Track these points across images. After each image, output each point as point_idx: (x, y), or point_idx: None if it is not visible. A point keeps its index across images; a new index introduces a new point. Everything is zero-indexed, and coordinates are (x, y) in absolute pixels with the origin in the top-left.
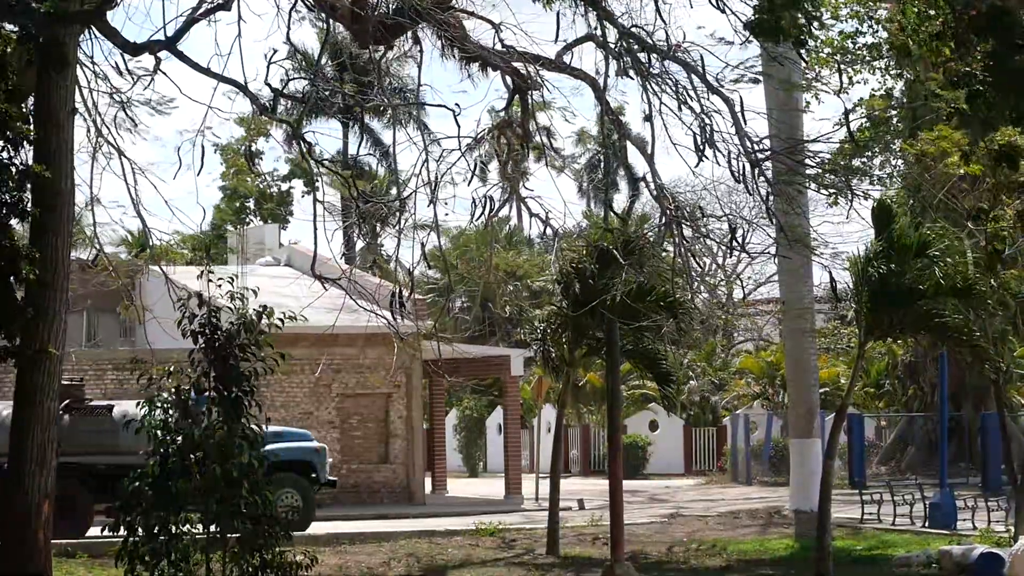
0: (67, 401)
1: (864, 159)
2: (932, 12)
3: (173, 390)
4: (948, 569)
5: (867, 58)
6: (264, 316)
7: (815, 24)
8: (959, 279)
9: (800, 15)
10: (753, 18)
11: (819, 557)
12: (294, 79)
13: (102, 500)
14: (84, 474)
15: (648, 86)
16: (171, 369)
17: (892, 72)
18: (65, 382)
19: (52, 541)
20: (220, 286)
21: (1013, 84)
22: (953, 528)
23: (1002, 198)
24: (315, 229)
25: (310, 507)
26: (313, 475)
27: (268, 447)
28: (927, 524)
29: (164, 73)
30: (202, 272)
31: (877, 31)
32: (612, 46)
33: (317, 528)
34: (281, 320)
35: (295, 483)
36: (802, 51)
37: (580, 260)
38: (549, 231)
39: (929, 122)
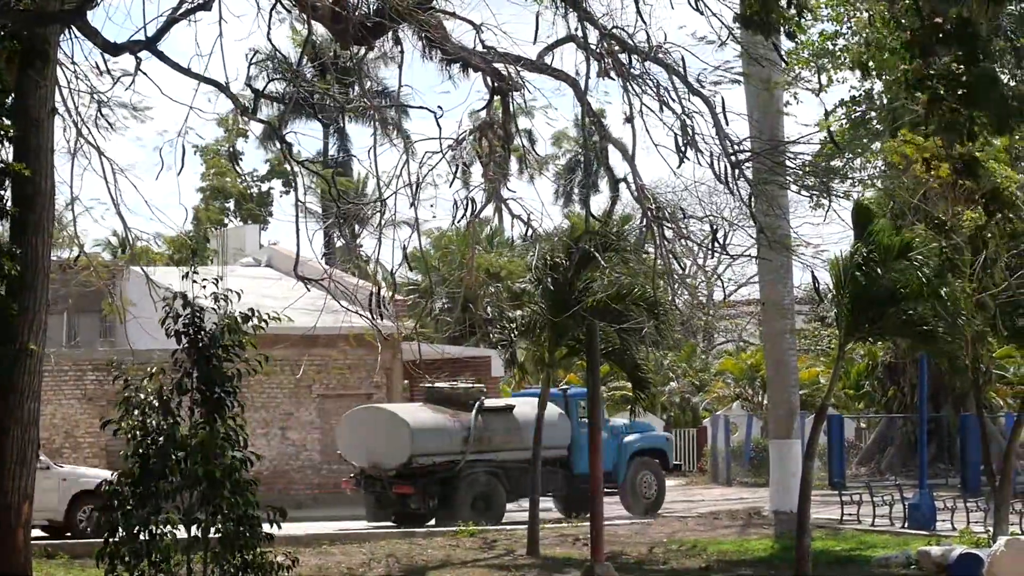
0: (478, 403)
1: (844, 160)
2: (903, 21)
3: (154, 391)
4: (927, 570)
5: (846, 59)
6: (250, 318)
7: (804, 14)
8: (937, 282)
9: (791, 6)
10: (745, 11)
11: (799, 558)
12: (274, 79)
13: (513, 493)
14: (498, 470)
15: (629, 87)
16: (152, 371)
17: (869, 71)
18: (467, 385)
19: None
20: (205, 286)
21: (972, 96)
22: (932, 529)
23: (958, 208)
24: (297, 231)
25: (663, 489)
26: (656, 460)
27: (628, 438)
28: (906, 525)
29: (144, 73)
30: (187, 272)
31: (856, 32)
32: (593, 47)
33: (297, 528)
34: (265, 321)
35: (652, 468)
36: (787, 46)
37: (554, 254)
38: (530, 232)
39: (909, 123)
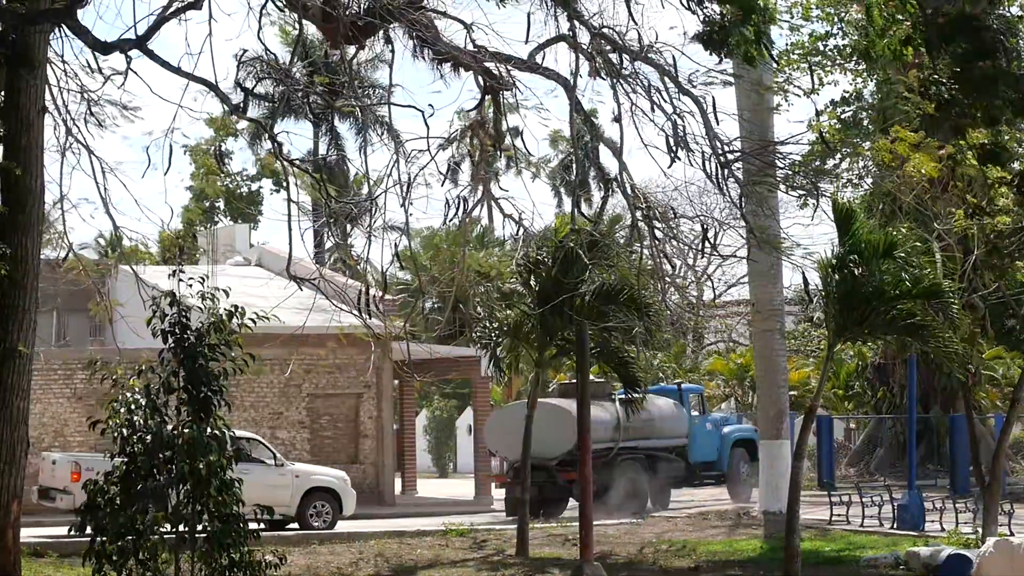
0: (613, 395)
1: (834, 160)
2: (899, 16)
3: (142, 389)
4: (916, 570)
5: (838, 60)
6: (235, 316)
7: (764, 40)
8: (927, 281)
9: (750, 32)
10: (703, 31)
11: (788, 558)
12: (264, 78)
13: (651, 479)
14: (643, 457)
15: (620, 87)
16: (141, 368)
17: (862, 73)
18: (600, 380)
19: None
20: (191, 285)
21: (981, 88)
22: (921, 529)
23: (992, 194)
24: (290, 230)
25: (750, 474)
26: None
27: (726, 429)
28: (895, 525)
29: (135, 72)
30: (173, 271)
31: (848, 33)
32: (584, 47)
33: (287, 528)
34: (252, 320)
35: (746, 458)
36: (754, 64)
37: (539, 251)
38: (521, 231)
39: (899, 124)
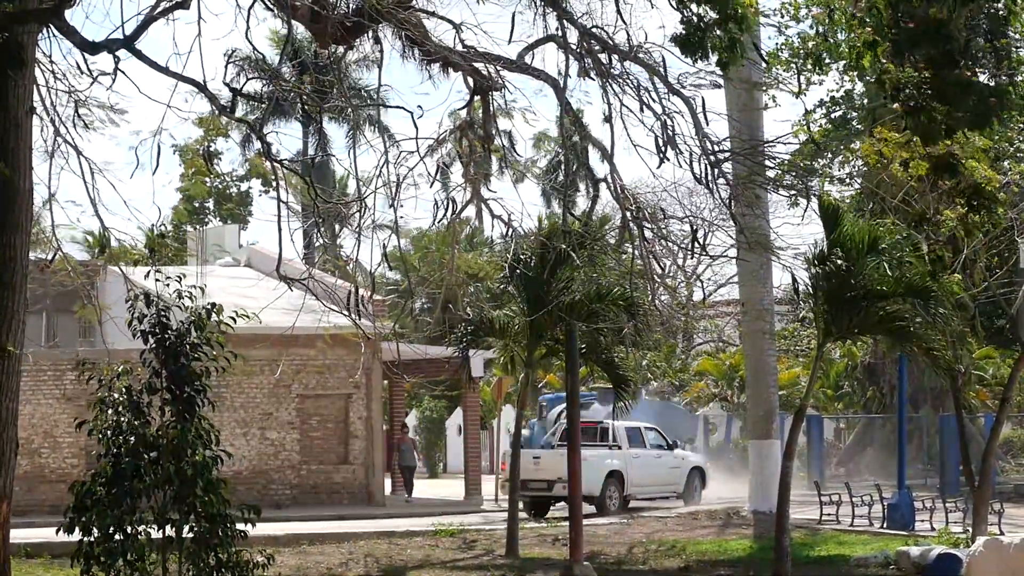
0: None
1: (825, 160)
2: (866, 20)
3: (124, 390)
4: (906, 570)
5: (826, 60)
6: (214, 314)
7: (738, 47)
8: (916, 279)
9: (726, 35)
10: (680, 33)
11: (777, 558)
12: (253, 79)
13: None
14: None
15: (609, 87)
16: (120, 370)
17: (847, 71)
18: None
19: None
20: (168, 285)
21: (949, 96)
22: (911, 529)
23: (938, 207)
24: (279, 230)
25: None
26: None
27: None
28: (885, 525)
29: (123, 72)
30: (148, 272)
31: (836, 33)
32: (573, 47)
33: (276, 528)
34: (233, 319)
35: None
36: (727, 70)
37: (527, 252)
38: (511, 232)
39: (889, 123)
